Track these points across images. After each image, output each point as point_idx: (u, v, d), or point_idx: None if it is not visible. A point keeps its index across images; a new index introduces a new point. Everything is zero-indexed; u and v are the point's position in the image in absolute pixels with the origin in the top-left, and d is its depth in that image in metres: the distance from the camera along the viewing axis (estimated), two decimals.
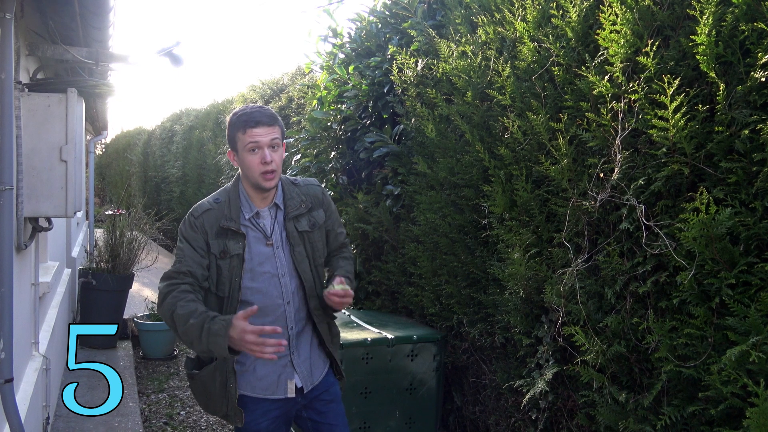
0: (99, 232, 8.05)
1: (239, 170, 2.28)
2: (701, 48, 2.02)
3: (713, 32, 2.00)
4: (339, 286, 2.21)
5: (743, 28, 1.96)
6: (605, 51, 2.43)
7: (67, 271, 5.89)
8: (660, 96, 2.13)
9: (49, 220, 3.68)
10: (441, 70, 3.49)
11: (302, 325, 2.33)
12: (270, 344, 1.97)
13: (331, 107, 4.63)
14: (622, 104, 2.36)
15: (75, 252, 7.00)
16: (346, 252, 2.51)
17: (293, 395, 2.30)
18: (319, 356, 2.40)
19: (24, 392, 3.17)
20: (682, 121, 2.08)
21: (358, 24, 4.61)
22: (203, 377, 2.26)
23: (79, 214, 7.31)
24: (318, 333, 2.36)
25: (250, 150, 2.16)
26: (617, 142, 2.36)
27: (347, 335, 3.32)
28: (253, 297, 2.23)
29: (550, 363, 2.79)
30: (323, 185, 3.41)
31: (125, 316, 6.21)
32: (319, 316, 2.34)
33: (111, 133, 18.43)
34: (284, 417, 2.33)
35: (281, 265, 2.26)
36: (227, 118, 2.28)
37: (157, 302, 2.23)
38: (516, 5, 2.98)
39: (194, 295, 2.15)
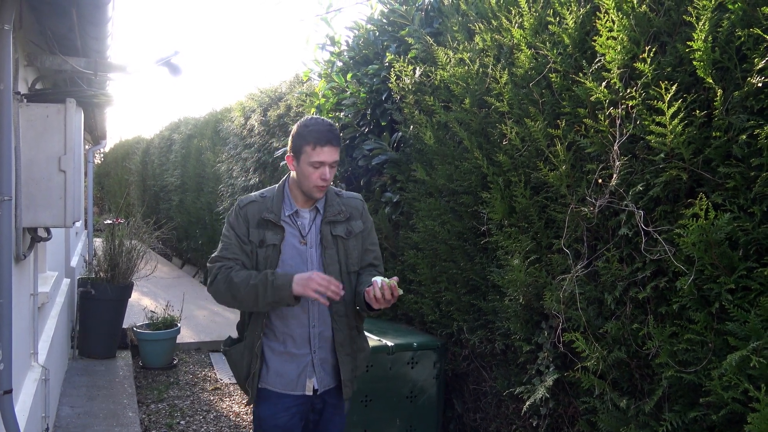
0: (98, 242, 8.06)
1: (291, 173, 2.42)
2: (698, 54, 2.03)
3: (710, 38, 2.01)
4: (382, 283, 2.21)
5: (739, 33, 1.97)
6: (602, 57, 2.44)
7: (66, 281, 5.88)
8: (657, 102, 2.13)
9: (48, 230, 3.68)
10: (439, 77, 3.50)
11: (326, 328, 2.43)
12: (332, 289, 2.18)
13: (330, 115, 4.64)
14: (619, 110, 2.36)
15: (74, 262, 6.99)
16: (375, 272, 2.55)
17: (311, 393, 2.43)
18: (336, 365, 2.47)
19: (23, 403, 3.16)
20: (679, 127, 2.09)
21: (356, 32, 4.63)
22: (233, 355, 2.46)
23: (78, 224, 7.31)
24: (334, 340, 2.44)
25: (314, 166, 2.31)
26: (615, 147, 2.36)
27: None
28: None
29: (551, 369, 2.78)
30: None
31: (124, 326, 6.20)
32: (339, 322, 2.43)
33: (110, 143, 18.45)
34: (301, 414, 2.46)
35: (311, 264, 2.39)
36: (295, 127, 2.39)
37: (208, 281, 2.40)
38: (513, 12, 2.99)
39: (242, 267, 2.36)
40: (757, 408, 1.74)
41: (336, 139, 2.33)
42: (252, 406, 2.52)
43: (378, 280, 2.23)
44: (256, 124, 7.50)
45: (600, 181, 2.48)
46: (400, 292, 2.22)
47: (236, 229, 2.40)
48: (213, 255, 2.42)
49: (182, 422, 4.65)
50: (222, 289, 2.33)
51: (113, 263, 5.98)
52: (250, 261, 2.39)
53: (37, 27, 3.44)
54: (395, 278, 2.23)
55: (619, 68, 2.36)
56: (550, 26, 2.72)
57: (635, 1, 2.31)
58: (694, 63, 2.05)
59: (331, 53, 4.80)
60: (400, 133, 3.95)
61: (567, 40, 2.63)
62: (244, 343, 2.43)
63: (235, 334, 2.59)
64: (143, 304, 7.40)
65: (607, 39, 2.36)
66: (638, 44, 2.32)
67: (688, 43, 2.07)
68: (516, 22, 2.96)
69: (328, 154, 2.30)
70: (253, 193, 2.49)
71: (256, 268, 2.38)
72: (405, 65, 3.81)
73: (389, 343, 3.38)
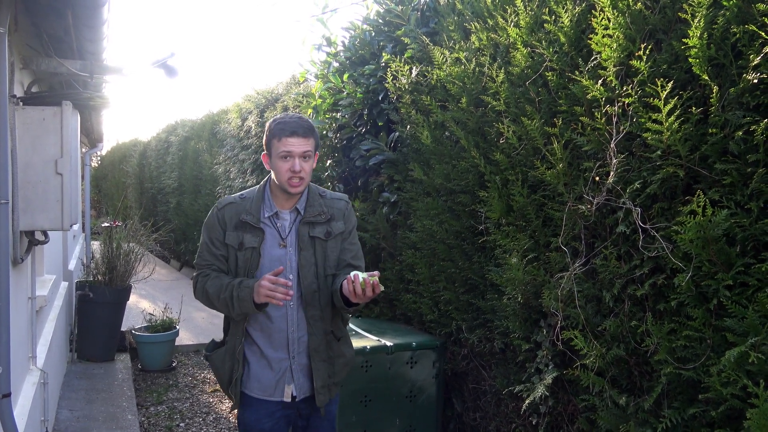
0: (95, 245, 8.03)
1: (270, 173, 2.37)
2: (693, 51, 2.03)
3: (705, 35, 2.01)
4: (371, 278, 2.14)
5: (735, 30, 1.97)
6: (598, 55, 2.44)
7: (64, 284, 5.87)
8: (653, 99, 2.14)
9: (45, 233, 3.67)
10: (435, 76, 3.50)
11: (303, 333, 2.36)
12: (280, 291, 2.14)
13: (327, 116, 4.64)
14: (616, 108, 2.36)
15: (72, 265, 6.98)
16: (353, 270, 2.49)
17: (289, 400, 2.39)
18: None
19: (22, 407, 3.16)
20: (676, 124, 2.09)
21: (352, 32, 4.62)
22: (214, 360, 2.44)
23: (76, 227, 7.29)
24: (309, 345, 2.37)
25: (282, 157, 2.26)
26: (612, 145, 2.37)
27: None
28: None
29: (550, 368, 2.79)
30: None
31: (123, 329, 6.19)
32: (314, 326, 2.35)
33: (106, 145, 18.44)
34: (286, 419, 2.43)
35: (290, 267, 2.33)
36: (267, 124, 2.35)
37: (194, 290, 2.44)
38: (509, 11, 3.00)
39: (218, 273, 2.38)
40: (756, 404, 1.74)
41: (304, 129, 2.25)
42: (236, 411, 2.50)
43: (359, 274, 2.14)
44: (253, 125, 7.50)
45: (597, 178, 2.48)
46: (382, 288, 2.15)
47: (209, 232, 2.38)
48: (194, 260, 2.45)
49: (182, 424, 4.64)
50: (202, 299, 2.39)
51: (111, 266, 5.97)
52: (223, 264, 2.37)
53: (32, 30, 3.43)
54: (376, 273, 2.15)
55: (615, 66, 2.36)
56: (546, 25, 2.72)
57: None
58: (690, 60, 2.06)
59: (328, 54, 4.79)
60: (397, 133, 3.95)
61: (563, 39, 2.63)
62: (225, 347, 2.41)
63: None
64: (141, 306, 7.38)
65: (603, 37, 2.37)
66: (634, 42, 2.33)
67: (684, 40, 2.07)
68: (512, 21, 2.96)
69: (296, 145, 2.23)
70: (233, 195, 2.43)
71: (235, 272, 2.34)
72: (401, 65, 3.81)
73: (388, 343, 3.38)
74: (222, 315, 2.50)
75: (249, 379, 2.39)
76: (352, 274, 2.15)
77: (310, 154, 2.28)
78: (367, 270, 2.27)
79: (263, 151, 2.37)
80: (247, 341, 2.39)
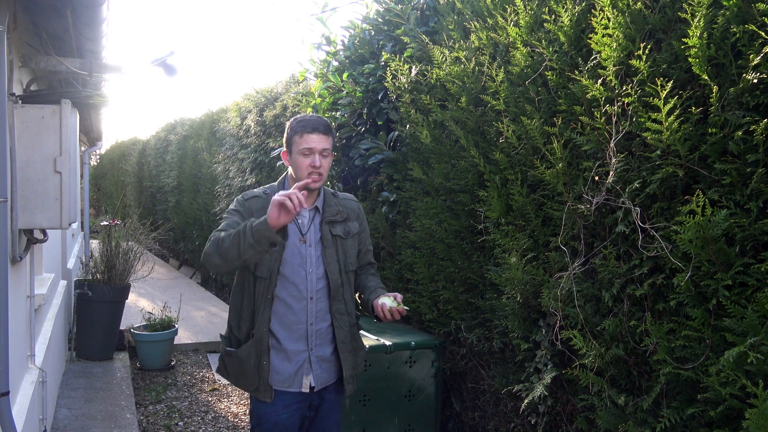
0: (94, 243, 8.03)
1: (288, 169, 2.47)
2: (693, 50, 2.03)
3: (705, 35, 2.01)
4: (396, 305, 2.38)
5: (734, 30, 1.97)
6: (598, 55, 2.44)
7: (63, 283, 5.87)
8: (653, 99, 2.13)
9: (44, 231, 3.67)
10: (435, 76, 3.50)
11: (324, 325, 2.46)
12: (292, 199, 2.09)
13: (326, 115, 4.64)
14: (615, 107, 2.36)
15: (70, 263, 6.98)
16: (373, 270, 2.70)
17: (307, 390, 2.46)
18: (335, 362, 2.51)
19: (20, 405, 3.16)
20: (675, 124, 2.09)
21: (352, 31, 4.62)
22: (240, 355, 2.43)
23: (75, 225, 7.29)
24: (336, 337, 2.49)
25: (303, 153, 2.36)
26: (611, 145, 2.37)
27: None
28: (284, 284, 2.42)
29: (549, 367, 2.79)
30: None
31: (122, 327, 6.19)
32: (340, 320, 2.48)
33: (106, 144, 18.38)
34: (300, 411, 2.49)
35: (310, 262, 2.43)
36: (288, 123, 2.45)
37: (203, 254, 2.34)
38: (508, 10, 2.99)
39: None
40: (755, 404, 1.74)
41: (324, 127, 2.38)
42: (250, 404, 2.53)
43: (387, 303, 2.36)
44: (253, 124, 7.49)
45: (597, 178, 2.48)
46: (407, 309, 2.39)
47: (236, 214, 2.42)
48: (211, 235, 2.36)
49: (180, 423, 4.64)
50: (211, 250, 2.27)
51: (110, 265, 5.97)
52: None
53: (31, 28, 3.43)
54: (399, 296, 2.39)
55: (614, 65, 2.36)
56: (545, 24, 2.72)
57: None
58: (690, 60, 2.05)
59: (327, 53, 4.79)
60: (397, 132, 3.95)
61: (563, 38, 2.63)
62: (252, 341, 2.42)
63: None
64: (140, 305, 7.38)
65: (603, 36, 2.36)
66: (634, 41, 2.33)
67: (684, 39, 2.07)
68: (511, 20, 2.96)
69: (316, 141, 2.35)
70: (255, 189, 2.52)
71: (258, 264, 2.39)
72: (401, 64, 3.81)
73: (387, 342, 3.38)
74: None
75: (269, 371, 2.44)
76: (380, 302, 2.38)
77: (328, 152, 2.40)
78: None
79: (282, 148, 2.48)
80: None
